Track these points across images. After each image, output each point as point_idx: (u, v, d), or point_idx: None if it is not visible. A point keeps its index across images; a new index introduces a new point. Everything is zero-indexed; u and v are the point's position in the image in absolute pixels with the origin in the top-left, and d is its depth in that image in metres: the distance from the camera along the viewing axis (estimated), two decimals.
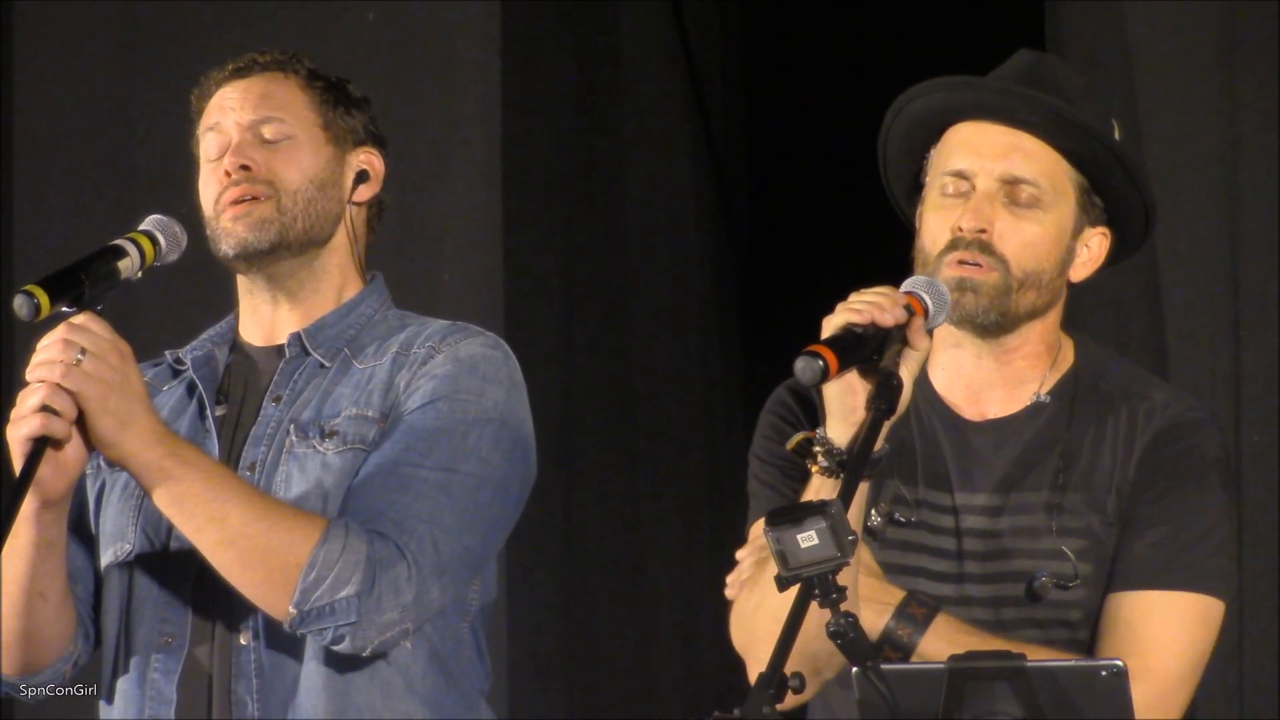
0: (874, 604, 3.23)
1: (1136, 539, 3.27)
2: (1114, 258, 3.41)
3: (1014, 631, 3.25)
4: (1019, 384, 3.36)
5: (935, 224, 3.32)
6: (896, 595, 3.25)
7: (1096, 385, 3.36)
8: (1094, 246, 3.37)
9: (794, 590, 2.78)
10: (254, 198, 3.39)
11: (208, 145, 3.45)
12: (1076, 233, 3.35)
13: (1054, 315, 3.37)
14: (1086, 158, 3.32)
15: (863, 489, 3.18)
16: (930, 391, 3.38)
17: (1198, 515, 3.27)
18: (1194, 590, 3.25)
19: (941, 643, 3.18)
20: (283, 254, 3.41)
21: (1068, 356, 3.39)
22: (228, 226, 3.39)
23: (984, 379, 3.36)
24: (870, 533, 3.31)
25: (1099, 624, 3.27)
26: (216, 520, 3.20)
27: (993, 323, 3.30)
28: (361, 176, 3.49)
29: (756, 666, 3.17)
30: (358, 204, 3.50)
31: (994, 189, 3.31)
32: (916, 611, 3.23)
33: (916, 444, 3.35)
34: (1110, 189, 3.35)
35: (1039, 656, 3.13)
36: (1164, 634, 3.23)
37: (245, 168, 3.39)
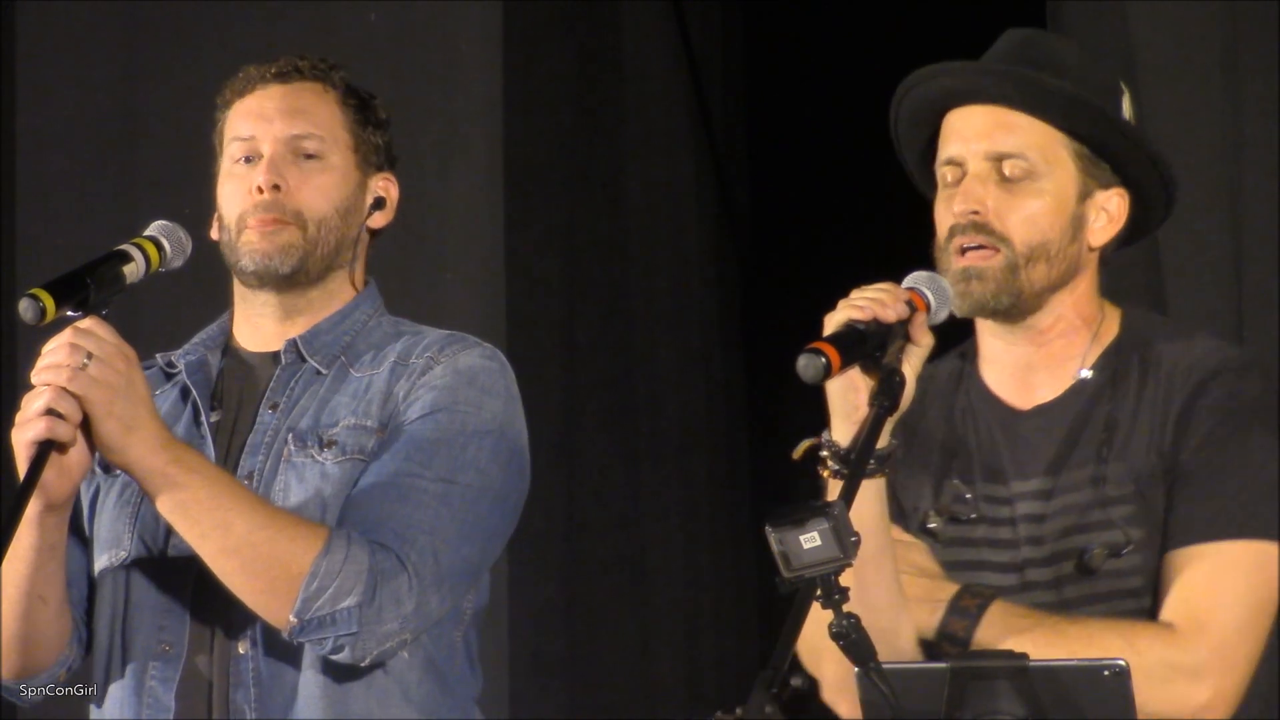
0: (927, 603, 3.22)
1: (1182, 495, 3.22)
2: (1142, 219, 3.36)
3: (1078, 608, 3.22)
4: (1061, 363, 3.33)
5: (940, 215, 3.32)
6: (949, 590, 3.24)
7: (1142, 352, 3.31)
8: (1113, 208, 3.33)
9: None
10: (281, 221, 3.39)
11: (238, 148, 3.44)
12: (1084, 197, 3.31)
13: (1084, 285, 3.34)
14: (1076, 123, 3.29)
15: (879, 486, 3.19)
16: (982, 387, 3.37)
17: (1240, 461, 3.21)
18: (1243, 537, 3.18)
19: (996, 629, 3.17)
20: (299, 279, 3.42)
21: (1111, 328, 3.36)
22: (252, 241, 3.39)
23: (1026, 364, 3.34)
24: (931, 535, 3.31)
25: (1158, 586, 3.22)
26: (220, 528, 3.20)
27: (1006, 306, 3.28)
28: (378, 203, 3.49)
29: (825, 682, 3.18)
30: (371, 230, 3.50)
31: (984, 169, 3.30)
32: (969, 603, 3.21)
33: (972, 442, 3.34)
34: (1112, 150, 3.31)
35: (1101, 626, 3.15)
36: (1215, 586, 3.17)
37: (277, 187, 3.39)
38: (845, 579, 2.95)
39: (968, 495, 3.32)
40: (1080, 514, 3.26)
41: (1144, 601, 3.23)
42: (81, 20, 5.36)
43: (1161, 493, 3.23)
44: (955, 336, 3.45)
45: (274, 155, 3.41)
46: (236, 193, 3.42)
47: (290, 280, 3.41)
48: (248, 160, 3.43)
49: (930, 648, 3.23)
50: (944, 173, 3.34)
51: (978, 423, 3.34)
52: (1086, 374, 3.32)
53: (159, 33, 5.34)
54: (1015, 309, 3.30)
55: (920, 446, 3.38)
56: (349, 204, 3.44)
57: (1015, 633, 3.14)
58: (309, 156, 3.42)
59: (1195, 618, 3.15)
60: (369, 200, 3.48)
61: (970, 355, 3.40)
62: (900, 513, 3.36)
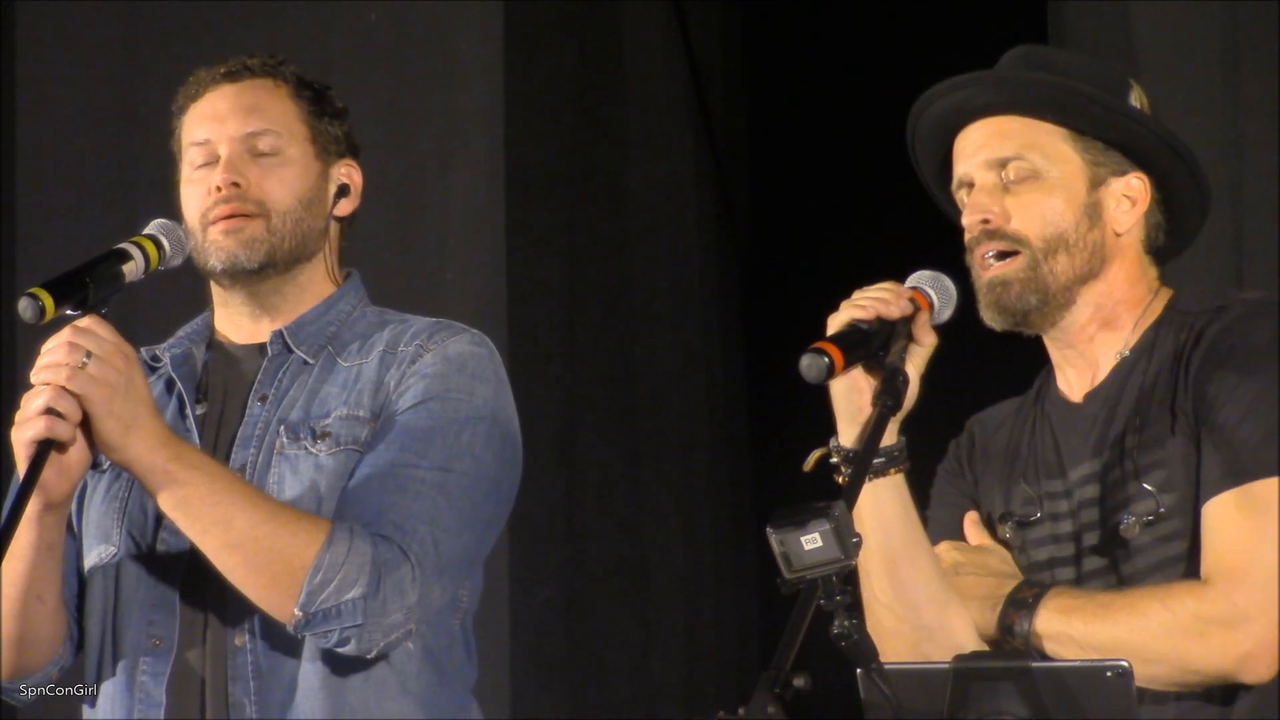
0: (988, 600, 3.22)
1: (1205, 447, 3.18)
2: (1174, 203, 3.34)
3: (1138, 582, 3.20)
4: (1109, 352, 3.32)
5: (965, 235, 3.32)
6: (1008, 586, 3.23)
7: (1179, 323, 3.29)
8: (1134, 192, 3.31)
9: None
10: (244, 215, 3.38)
11: (195, 153, 3.43)
12: (1096, 186, 3.30)
13: (1120, 275, 3.32)
14: (1072, 116, 3.29)
15: (897, 484, 3.19)
16: (1053, 392, 3.37)
17: (1257, 403, 3.16)
18: (1264, 476, 3.13)
19: (1050, 612, 3.16)
20: (269, 273, 3.41)
21: (1156, 310, 3.33)
22: (217, 240, 3.38)
23: (1083, 363, 3.33)
24: (1004, 543, 3.32)
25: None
26: (222, 523, 3.19)
27: (1035, 304, 3.27)
28: (342, 191, 3.49)
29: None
30: (338, 218, 3.49)
31: (989, 180, 3.30)
32: (1026, 594, 3.20)
33: (1037, 443, 3.35)
34: (1118, 136, 3.31)
35: (1142, 593, 3.14)
36: (1244, 531, 3.12)
37: (236, 184, 3.38)
38: (868, 579, 2.95)
39: (1034, 496, 3.32)
40: (1121, 489, 3.24)
41: (1193, 565, 3.18)
42: (81, 20, 5.35)
43: (1193, 450, 3.20)
44: (1005, 350, 3.46)
45: (231, 155, 3.40)
46: (196, 195, 3.41)
47: (260, 275, 3.40)
48: (206, 164, 3.42)
49: (994, 645, 3.22)
50: (959, 196, 3.35)
51: (1043, 424, 3.35)
52: (1126, 354, 3.31)
53: (159, 33, 5.33)
54: (1045, 306, 3.28)
55: (997, 460, 3.39)
56: (311, 194, 3.44)
57: (1066, 613, 3.15)
58: (266, 153, 3.41)
59: (1229, 567, 3.12)
60: (332, 189, 3.48)
61: (1049, 369, 3.41)
62: (986, 522, 3.37)
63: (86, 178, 5.31)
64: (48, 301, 3.12)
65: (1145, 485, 3.22)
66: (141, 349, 3.49)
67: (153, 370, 3.46)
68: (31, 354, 3.18)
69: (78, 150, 5.32)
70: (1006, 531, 3.32)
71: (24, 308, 3.11)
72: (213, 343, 3.48)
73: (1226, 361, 3.20)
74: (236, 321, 3.46)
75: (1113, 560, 3.24)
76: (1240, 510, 3.14)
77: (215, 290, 3.47)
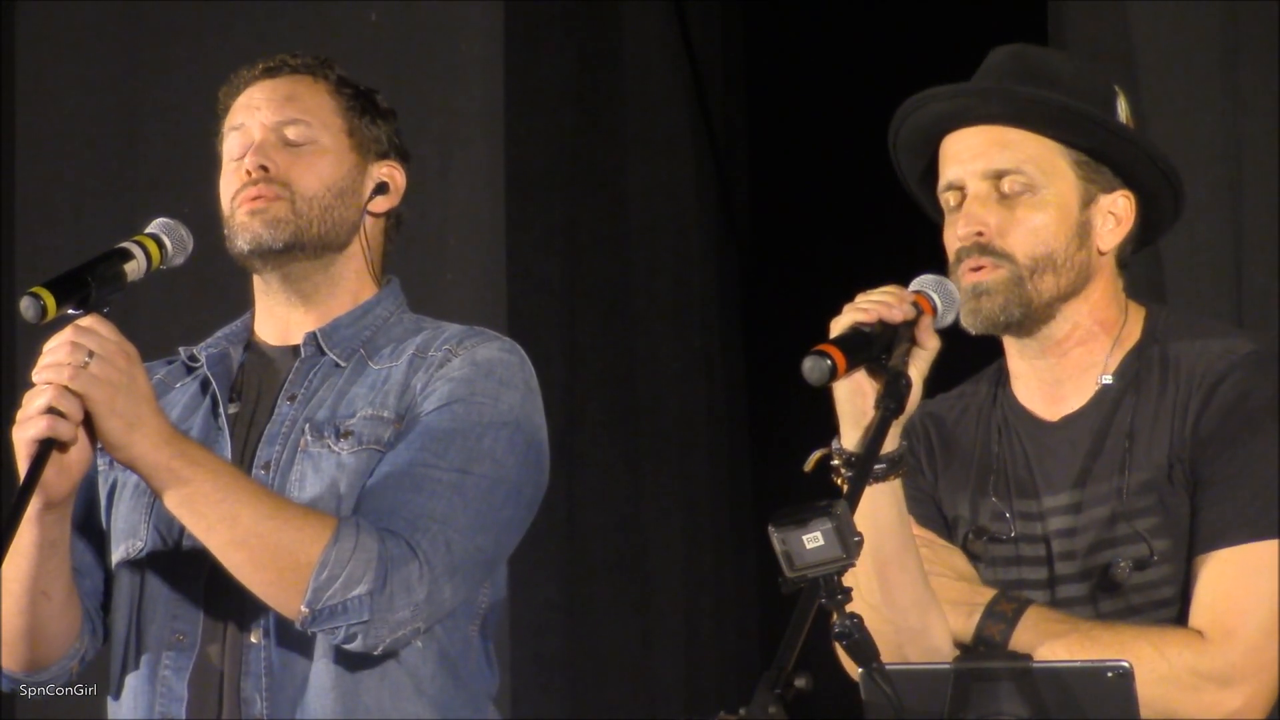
0: (964, 606, 3.22)
1: (1203, 500, 3.19)
2: (1153, 219, 3.34)
3: (1117, 620, 3.20)
4: (1084, 371, 3.32)
5: (948, 240, 3.31)
6: (986, 595, 3.23)
7: (1164, 352, 3.29)
8: (1119, 211, 3.32)
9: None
10: (268, 196, 3.40)
11: (231, 144, 3.46)
12: (1087, 204, 3.30)
13: (1100, 292, 3.32)
14: (1069, 132, 3.28)
15: (894, 489, 3.19)
16: (1014, 403, 3.36)
17: (1256, 463, 3.17)
18: (1264, 538, 3.14)
19: (1031, 634, 3.16)
20: (297, 254, 3.42)
21: (1133, 331, 3.33)
22: (244, 221, 3.40)
23: (1051, 376, 3.33)
24: (975, 557, 3.32)
25: (1188, 593, 3.19)
26: (227, 520, 3.20)
27: (1018, 318, 3.27)
28: (381, 188, 3.50)
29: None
30: (374, 215, 3.50)
31: (983, 189, 3.29)
32: (1006, 608, 3.21)
33: (1006, 458, 3.34)
34: (1110, 153, 3.30)
35: (1133, 634, 3.13)
36: (1239, 591, 3.14)
37: (264, 168, 3.40)
38: (856, 580, 2.95)
39: (1005, 514, 3.31)
40: (1108, 527, 3.24)
41: (1177, 611, 3.20)
42: (81, 20, 5.35)
43: (1185, 500, 3.21)
44: (977, 352, 3.45)
45: (262, 141, 3.43)
46: (229, 182, 3.45)
47: (287, 255, 3.41)
48: (240, 151, 3.44)
49: (964, 650, 3.22)
50: (946, 198, 3.34)
51: (1012, 438, 3.34)
52: (1108, 380, 3.30)
53: (159, 33, 5.33)
54: (1027, 320, 3.28)
55: (959, 463, 3.38)
56: (344, 184, 3.45)
57: (1050, 637, 3.14)
58: (298, 141, 3.43)
59: (1222, 624, 3.13)
60: (369, 185, 3.49)
61: (1004, 375, 3.40)
62: (945, 525, 3.37)
63: (86, 178, 5.31)
64: (49, 301, 3.12)
65: (1137, 529, 3.22)
66: (180, 348, 3.52)
67: (189, 370, 3.49)
68: (33, 353, 3.18)
69: (78, 150, 5.32)
70: (978, 547, 3.32)
71: (26, 307, 3.11)
72: (250, 344, 3.50)
73: (1230, 418, 3.20)
74: (273, 313, 3.47)
75: (1092, 594, 3.24)
76: (1239, 569, 3.15)
77: (256, 281, 3.49)
